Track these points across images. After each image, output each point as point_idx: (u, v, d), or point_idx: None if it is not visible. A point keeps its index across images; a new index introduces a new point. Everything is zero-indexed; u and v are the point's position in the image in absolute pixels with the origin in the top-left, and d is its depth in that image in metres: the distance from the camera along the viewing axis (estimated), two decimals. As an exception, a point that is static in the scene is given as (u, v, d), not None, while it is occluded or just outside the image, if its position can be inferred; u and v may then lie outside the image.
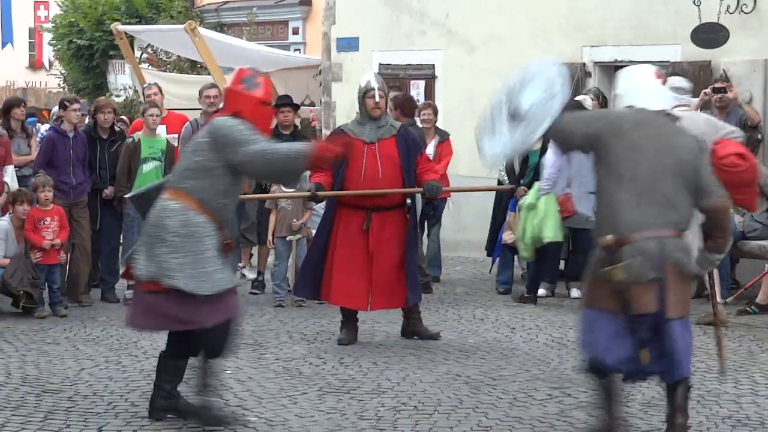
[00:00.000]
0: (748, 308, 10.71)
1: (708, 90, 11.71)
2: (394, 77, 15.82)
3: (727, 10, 12.65)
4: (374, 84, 9.86)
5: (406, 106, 13.00)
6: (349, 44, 16.88)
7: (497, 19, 14.75)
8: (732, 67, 12.42)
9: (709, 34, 12.77)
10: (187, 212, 6.91)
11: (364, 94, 9.82)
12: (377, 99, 9.75)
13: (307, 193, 9.80)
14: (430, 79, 15.80)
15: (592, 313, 6.35)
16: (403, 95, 13.76)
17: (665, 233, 6.08)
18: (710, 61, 12.80)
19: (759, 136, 12.15)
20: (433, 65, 15.71)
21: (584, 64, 14.16)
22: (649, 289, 6.03)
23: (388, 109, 10.63)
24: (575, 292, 11.50)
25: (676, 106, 8.96)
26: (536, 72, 6.82)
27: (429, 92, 15.73)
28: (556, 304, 11.52)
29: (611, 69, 14.28)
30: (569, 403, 7.49)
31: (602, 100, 12.86)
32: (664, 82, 6.75)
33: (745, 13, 12.65)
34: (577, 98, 11.45)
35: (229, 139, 6.93)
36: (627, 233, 6.04)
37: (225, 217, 7.24)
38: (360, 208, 9.67)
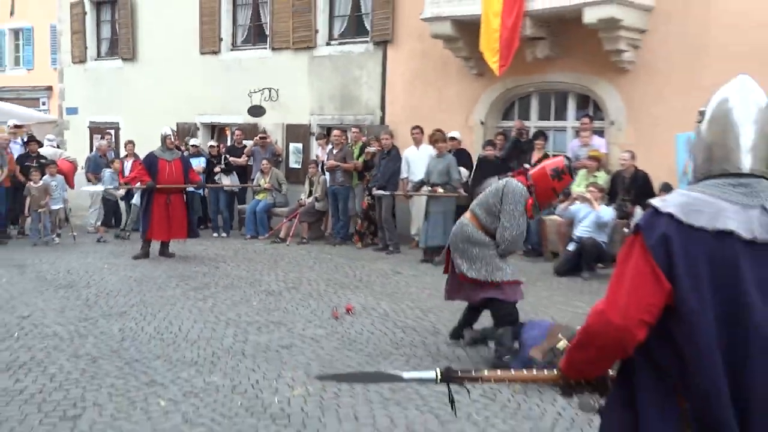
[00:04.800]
0: None
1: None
2: None
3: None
4: (168, 131, 15.62)
5: None
6: None
7: None
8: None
9: None
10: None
11: (165, 138, 15.46)
12: (172, 138, 15.60)
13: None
14: None
15: None
16: None
17: None
18: None
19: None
20: None
21: None
22: None
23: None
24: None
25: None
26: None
27: None
28: None
29: None
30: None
31: None
32: None
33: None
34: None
35: (508, 197, 8.37)
36: None
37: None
38: (164, 192, 15.43)
